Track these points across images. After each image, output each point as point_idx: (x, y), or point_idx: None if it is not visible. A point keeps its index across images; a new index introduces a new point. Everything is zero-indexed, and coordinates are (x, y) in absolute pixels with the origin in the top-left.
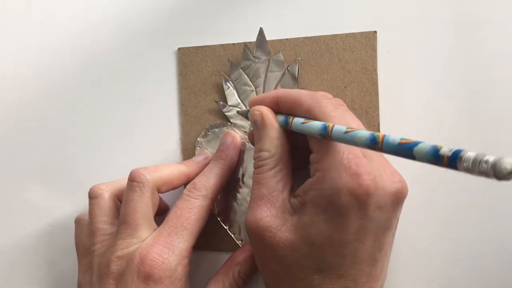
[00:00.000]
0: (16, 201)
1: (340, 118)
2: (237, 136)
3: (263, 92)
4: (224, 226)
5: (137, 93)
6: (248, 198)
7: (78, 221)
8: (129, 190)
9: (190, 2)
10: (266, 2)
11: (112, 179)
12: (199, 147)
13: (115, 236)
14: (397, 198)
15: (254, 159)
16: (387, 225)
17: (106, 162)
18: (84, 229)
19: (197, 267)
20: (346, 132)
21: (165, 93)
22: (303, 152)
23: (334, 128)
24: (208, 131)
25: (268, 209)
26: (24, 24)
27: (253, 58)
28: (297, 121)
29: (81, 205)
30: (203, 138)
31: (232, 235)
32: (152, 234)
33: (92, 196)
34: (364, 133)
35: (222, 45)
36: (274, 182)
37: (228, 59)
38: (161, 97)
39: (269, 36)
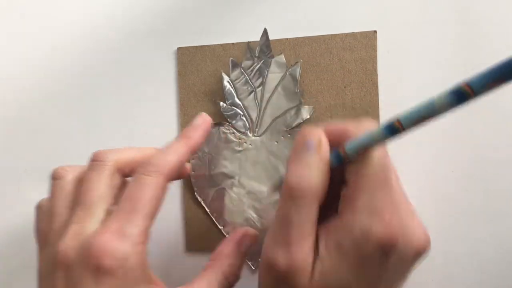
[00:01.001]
0: (16, 201)
1: (384, 159)
2: (209, 119)
3: (263, 92)
4: (219, 226)
5: (136, 92)
6: (244, 199)
7: (39, 207)
8: (88, 169)
9: (190, 2)
10: (266, 2)
11: None
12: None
13: (69, 220)
14: (420, 253)
15: (287, 185)
16: (402, 275)
17: None
18: (45, 215)
19: (192, 269)
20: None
21: (165, 93)
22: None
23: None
24: None
25: (296, 252)
26: (24, 24)
27: (255, 58)
28: (351, 141)
29: None
30: None
31: (226, 235)
32: (103, 220)
33: (55, 177)
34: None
35: (221, 45)
36: (306, 223)
37: (230, 58)
38: (160, 96)
39: (269, 36)
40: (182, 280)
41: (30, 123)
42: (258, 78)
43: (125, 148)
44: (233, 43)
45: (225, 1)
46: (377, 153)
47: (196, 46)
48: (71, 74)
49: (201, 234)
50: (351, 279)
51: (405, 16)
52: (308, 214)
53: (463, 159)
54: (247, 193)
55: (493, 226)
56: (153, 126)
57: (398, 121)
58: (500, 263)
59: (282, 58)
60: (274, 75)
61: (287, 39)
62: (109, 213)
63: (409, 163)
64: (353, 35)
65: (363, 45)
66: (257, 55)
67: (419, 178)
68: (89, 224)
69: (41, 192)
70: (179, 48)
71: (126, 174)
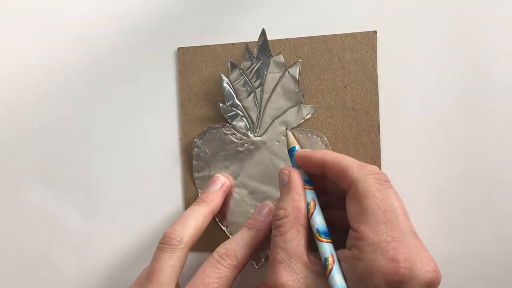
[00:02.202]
0: (16, 201)
1: (383, 198)
2: (227, 181)
3: (263, 93)
4: (222, 227)
5: (137, 92)
6: (247, 199)
7: None
8: (159, 249)
9: (190, 2)
10: (266, 2)
11: (111, 178)
12: (196, 148)
13: None
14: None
15: (273, 217)
16: None
17: (106, 161)
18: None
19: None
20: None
21: (165, 93)
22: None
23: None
24: (206, 132)
25: (288, 274)
26: (24, 24)
27: (253, 59)
28: (318, 211)
29: (81, 205)
30: (200, 139)
31: (230, 236)
32: None
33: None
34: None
35: (221, 45)
36: (293, 247)
37: (229, 59)
38: (161, 96)
39: (269, 36)
40: (182, 280)
41: (30, 123)
42: (257, 78)
43: (185, 221)
44: (233, 43)
45: (225, 1)
46: (373, 188)
47: (197, 46)
48: (71, 74)
49: (206, 235)
50: None
51: (405, 16)
52: (292, 239)
53: (463, 159)
54: (250, 193)
55: (493, 226)
56: (153, 126)
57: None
58: (500, 263)
59: (280, 58)
60: (273, 75)
61: (287, 39)
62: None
63: (409, 163)
64: (353, 35)
65: (363, 45)
66: (255, 55)
67: (419, 178)
68: None
69: (41, 192)
70: (179, 48)
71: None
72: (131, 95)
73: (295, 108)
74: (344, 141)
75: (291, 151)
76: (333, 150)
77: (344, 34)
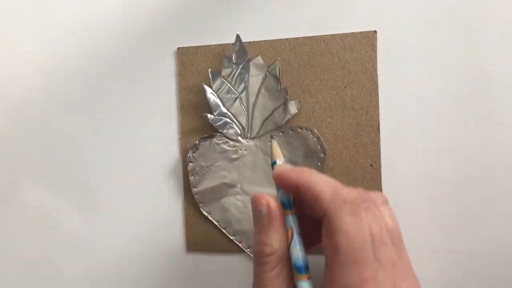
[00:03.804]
0: (15, 201)
1: (355, 232)
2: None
3: (248, 97)
4: (230, 236)
5: (136, 92)
6: (249, 205)
7: None
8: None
9: (190, 2)
10: (266, 2)
11: (111, 178)
12: (191, 162)
13: None
14: None
15: (255, 254)
16: None
17: (106, 161)
18: None
19: (192, 269)
20: None
21: (165, 93)
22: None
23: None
24: (199, 145)
25: None
26: (24, 24)
27: (233, 65)
28: (295, 243)
29: (81, 205)
30: (193, 152)
31: (239, 244)
32: None
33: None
34: None
35: (221, 45)
36: (278, 283)
37: (209, 70)
38: (160, 97)
39: (269, 36)
40: (182, 280)
41: (30, 123)
42: (240, 83)
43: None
44: (233, 43)
45: (225, 1)
46: (344, 222)
47: (196, 46)
48: (72, 74)
49: (201, 234)
50: None
51: (405, 16)
52: (277, 275)
53: (463, 159)
54: None
55: (493, 226)
56: (153, 126)
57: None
58: (500, 263)
59: (259, 60)
60: (255, 78)
61: (287, 39)
62: None
63: (409, 163)
64: (353, 35)
65: (363, 45)
66: (234, 61)
67: (419, 178)
68: None
69: (41, 192)
70: (179, 48)
71: None
72: (131, 95)
73: (281, 107)
74: (344, 141)
75: (272, 165)
76: (333, 150)
77: (344, 34)
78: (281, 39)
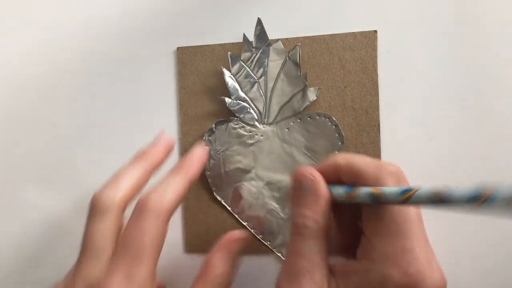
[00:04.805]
0: (14, 201)
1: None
2: (205, 152)
3: (267, 82)
4: (243, 223)
5: (136, 92)
6: (264, 191)
7: None
8: (91, 214)
9: (190, 2)
10: (266, 1)
11: None
12: (206, 146)
13: (76, 266)
14: None
15: (295, 225)
16: None
17: (105, 161)
18: None
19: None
20: (433, 193)
21: (164, 93)
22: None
23: (420, 191)
24: (215, 128)
25: (308, 285)
26: (24, 24)
27: (253, 49)
28: (367, 190)
29: (80, 205)
30: (209, 136)
31: (252, 230)
32: (110, 263)
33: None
34: (461, 191)
35: (221, 44)
36: (316, 254)
37: (228, 53)
38: (160, 96)
39: (269, 36)
40: (182, 280)
41: (29, 123)
42: (259, 68)
43: (124, 177)
44: (232, 43)
45: (225, 1)
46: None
47: (196, 46)
48: (71, 74)
49: (201, 234)
50: None
51: (405, 16)
52: (316, 247)
53: (463, 159)
54: (266, 184)
55: (493, 226)
56: (153, 126)
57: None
58: (501, 264)
59: (279, 44)
60: (274, 63)
61: (287, 39)
62: (114, 257)
63: (409, 163)
64: (353, 35)
65: (363, 45)
66: (254, 45)
67: (420, 178)
68: (97, 267)
69: (40, 192)
70: (179, 48)
71: (130, 204)
72: (130, 95)
73: (300, 93)
74: (344, 141)
75: None
76: None
77: (344, 33)
78: (281, 39)
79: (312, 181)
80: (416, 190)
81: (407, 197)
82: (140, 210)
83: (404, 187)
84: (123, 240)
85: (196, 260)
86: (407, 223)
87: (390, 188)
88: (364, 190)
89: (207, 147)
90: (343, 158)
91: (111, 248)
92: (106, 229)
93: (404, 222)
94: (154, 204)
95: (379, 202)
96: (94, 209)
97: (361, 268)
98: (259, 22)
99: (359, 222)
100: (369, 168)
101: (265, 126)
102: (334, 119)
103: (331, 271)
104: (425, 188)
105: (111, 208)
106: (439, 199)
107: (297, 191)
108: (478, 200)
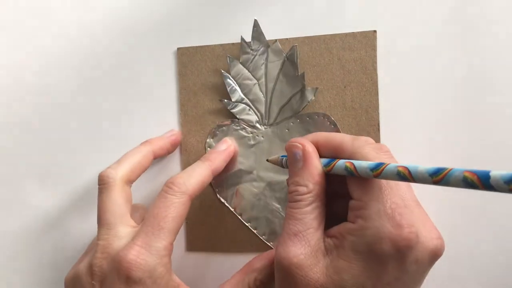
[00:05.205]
0: (15, 201)
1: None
2: (233, 145)
3: (266, 83)
4: (246, 224)
5: (136, 93)
6: (266, 192)
7: None
8: (98, 192)
9: (190, 2)
10: (266, 2)
11: None
12: (208, 147)
13: (96, 237)
14: (435, 255)
15: (290, 193)
16: (419, 279)
17: (106, 162)
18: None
19: (192, 269)
20: (398, 169)
21: (165, 93)
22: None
23: (388, 167)
24: (217, 130)
25: (302, 247)
26: (24, 24)
27: (251, 51)
28: (342, 163)
29: (80, 205)
30: (212, 138)
31: (254, 231)
32: (131, 233)
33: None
34: (423, 168)
35: (221, 45)
36: (311, 219)
37: (227, 55)
38: (160, 97)
39: (268, 36)
40: (182, 280)
41: (29, 123)
42: (258, 70)
43: (127, 158)
44: (232, 43)
45: (225, 1)
46: (370, 156)
47: (196, 46)
48: (71, 75)
49: (201, 234)
50: (365, 278)
51: (405, 16)
52: (311, 212)
53: (463, 159)
54: (268, 185)
55: (493, 226)
56: (153, 126)
57: (409, 173)
58: (501, 264)
59: (277, 45)
60: (273, 64)
61: (287, 39)
62: (134, 227)
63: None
64: (353, 35)
65: (363, 44)
66: (252, 47)
67: None
68: (114, 239)
69: (41, 192)
70: (179, 48)
71: (134, 180)
72: (131, 96)
73: (299, 94)
74: None
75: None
76: None
77: (344, 34)
78: (281, 39)
79: (301, 149)
80: (385, 166)
81: (377, 174)
82: (166, 190)
83: (375, 162)
84: (148, 214)
85: (196, 259)
86: (397, 185)
87: (362, 163)
88: (340, 164)
89: (233, 143)
90: (322, 135)
91: (120, 216)
92: (111, 200)
93: (395, 184)
94: (179, 186)
95: (354, 175)
96: (100, 185)
97: (356, 228)
98: (256, 24)
99: (344, 188)
100: (348, 140)
101: (265, 127)
102: (333, 118)
103: (328, 235)
104: (393, 165)
105: (114, 181)
106: (406, 174)
107: (291, 161)
108: (439, 175)
